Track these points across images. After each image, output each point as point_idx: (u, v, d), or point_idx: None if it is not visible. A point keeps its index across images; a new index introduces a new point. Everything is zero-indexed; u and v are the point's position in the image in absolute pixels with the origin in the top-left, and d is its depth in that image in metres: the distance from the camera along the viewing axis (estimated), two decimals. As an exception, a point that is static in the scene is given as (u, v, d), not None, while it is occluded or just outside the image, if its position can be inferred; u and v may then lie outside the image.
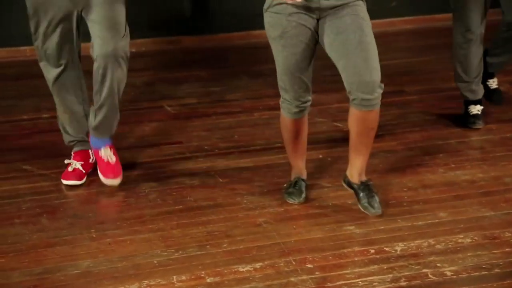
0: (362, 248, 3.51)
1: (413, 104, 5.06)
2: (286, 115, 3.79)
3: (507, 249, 3.49)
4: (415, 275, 3.32)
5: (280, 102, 3.79)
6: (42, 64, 4.02)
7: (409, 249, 3.50)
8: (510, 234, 3.60)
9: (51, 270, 3.39)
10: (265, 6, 3.59)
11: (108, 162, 4.03)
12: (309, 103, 3.77)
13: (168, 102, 5.18)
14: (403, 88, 5.31)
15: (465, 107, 4.75)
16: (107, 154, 4.04)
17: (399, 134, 4.63)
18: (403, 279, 3.29)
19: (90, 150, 4.17)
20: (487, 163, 4.27)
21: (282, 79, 3.69)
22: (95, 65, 3.87)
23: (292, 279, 3.30)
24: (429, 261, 3.41)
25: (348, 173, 3.78)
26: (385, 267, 3.37)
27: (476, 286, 3.25)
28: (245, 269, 3.38)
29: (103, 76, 3.86)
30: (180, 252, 3.51)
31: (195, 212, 3.83)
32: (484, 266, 3.37)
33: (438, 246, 3.52)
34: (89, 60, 3.95)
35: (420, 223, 3.70)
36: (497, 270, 3.35)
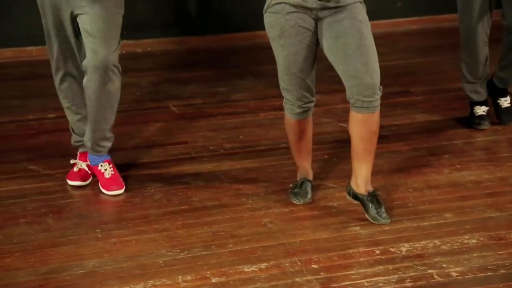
0: (368, 249, 3.51)
1: (418, 105, 5.05)
2: (289, 115, 3.79)
3: (512, 250, 3.49)
4: (421, 275, 3.32)
5: (283, 103, 3.79)
6: (52, 66, 4.02)
7: (415, 250, 3.49)
8: (515, 235, 3.60)
9: (57, 270, 3.40)
10: (264, 7, 3.61)
11: (107, 177, 4.01)
12: (312, 104, 3.77)
13: (173, 102, 5.18)
14: (409, 89, 5.31)
15: (470, 108, 4.74)
16: (105, 169, 4.02)
17: (405, 135, 4.63)
18: (409, 280, 3.29)
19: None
20: (492, 164, 4.27)
21: (283, 79, 3.69)
22: (85, 78, 3.85)
23: (297, 279, 3.30)
24: (434, 262, 3.40)
25: (353, 184, 3.74)
26: (390, 268, 3.37)
27: (481, 287, 3.25)
28: (250, 269, 3.38)
29: (91, 88, 3.84)
30: (186, 252, 3.51)
31: (200, 212, 3.84)
32: (489, 267, 3.37)
33: (443, 247, 3.51)
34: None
35: (425, 223, 3.70)
36: (502, 271, 3.34)
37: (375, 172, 3.94)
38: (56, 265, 3.43)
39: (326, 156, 4.37)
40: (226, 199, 3.96)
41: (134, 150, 4.48)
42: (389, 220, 3.69)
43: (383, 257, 3.45)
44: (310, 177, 3.96)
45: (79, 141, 4.17)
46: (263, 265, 3.40)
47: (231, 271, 3.37)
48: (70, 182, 4.10)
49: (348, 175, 3.88)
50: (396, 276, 3.32)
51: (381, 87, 3.56)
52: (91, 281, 3.32)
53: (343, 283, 3.28)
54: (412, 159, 4.34)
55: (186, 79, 5.60)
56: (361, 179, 3.70)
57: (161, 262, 3.44)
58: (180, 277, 3.34)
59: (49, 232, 3.69)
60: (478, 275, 3.32)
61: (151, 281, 3.31)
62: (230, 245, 3.55)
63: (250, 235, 3.63)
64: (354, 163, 3.70)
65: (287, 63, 3.62)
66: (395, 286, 3.25)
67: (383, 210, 3.69)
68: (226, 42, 6.30)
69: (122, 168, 4.19)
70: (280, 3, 3.53)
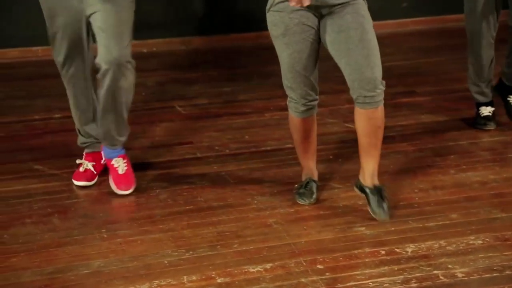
0: (373, 249, 3.51)
1: (424, 105, 5.05)
2: (293, 114, 3.80)
3: (518, 251, 3.48)
4: (426, 276, 3.31)
5: (287, 102, 3.80)
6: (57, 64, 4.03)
7: (420, 251, 3.49)
8: (521, 236, 3.59)
9: (62, 269, 3.40)
10: (267, 6, 3.61)
11: (120, 173, 4.02)
12: (316, 102, 3.78)
13: (179, 102, 5.18)
14: (414, 89, 5.31)
15: (476, 109, 4.74)
16: (119, 164, 4.03)
17: (410, 135, 4.63)
18: (414, 281, 3.29)
19: (102, 151, 4.17)
20: (498, 165, 4.26)
21: (287, 77, 3.69)
22: (99, 74, 3.86)
23: (303, 280, 3.30)
24: (440, 263, 3.40)
25: (361, 177, 3.76)
26: (395, 269, 3.37)
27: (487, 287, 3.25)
28: (256, 269, 3.38)
29: (105, 84, 3.85)
30: (191, 252, 3.51)
31: (205, 213, 3.84)
32: (495, 268, 3.36)
33: (449, 248, 3.51)
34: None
35: (431, 224, 3.70)
36: (508, 272, 3.33)
37: (381, 172, 3.93)
38: (62, 265, 3.44)
39: (331, 157, 4.37)
40: (231, 199, 3.96)
41: (139, 150, 4.48)
42: (389, 217, 3.69)
43: (388, 257, 3.45)
44: (315, 177, 3.96)
45: (86, 143, 4.17)
46: (268, 266, 3.40)
47: (236, 271, 3.37)
48: (76, 182, 4.11)
49: (353, 175, 3.88)
50: (402, 276, 3.31)
51: (384, 82, 3.56)
52: (97, 281, 3.32)
53: (348, 284, 3.27)
54: (417, 159, 4.34)
55: (192, 79, 5.60)
56: (368, 172, 3.72)
57: (166, 262, 3.44)
58: (185, 277, 3.34)
59: (55, 232, 3.70)
60: (483, 276, 3.31)
61: (156, 281, 3.31)
62: (235, 245, 3.55)
63: (255, 235, 3.63)
64: (361, 158, 3.72)
65: (292, 61, 3.63)
66: (401, 286, 3.25)
67: (385, 206, 3.69)
68: (232, 43, 6.31)
69: (127, 168, 4.20)
70: (284, 1, 3.54)
